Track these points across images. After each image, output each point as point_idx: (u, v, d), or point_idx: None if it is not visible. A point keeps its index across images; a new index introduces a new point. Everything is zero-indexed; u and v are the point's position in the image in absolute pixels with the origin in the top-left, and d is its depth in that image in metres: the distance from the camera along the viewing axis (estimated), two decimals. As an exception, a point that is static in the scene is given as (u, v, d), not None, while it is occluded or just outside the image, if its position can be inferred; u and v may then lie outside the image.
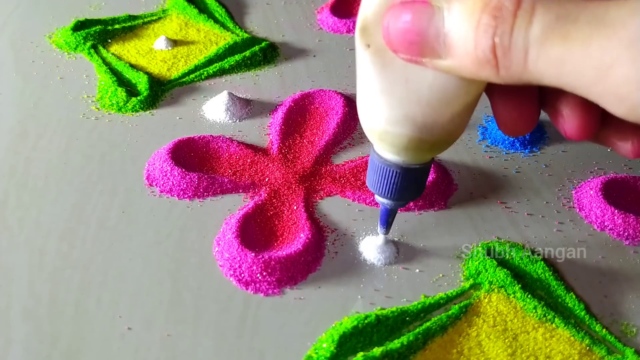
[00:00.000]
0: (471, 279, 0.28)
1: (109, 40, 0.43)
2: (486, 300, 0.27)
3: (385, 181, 0.23)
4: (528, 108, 0.21)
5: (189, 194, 0.31)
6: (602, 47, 0.16)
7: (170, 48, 0.42)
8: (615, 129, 0.21)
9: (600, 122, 0.21)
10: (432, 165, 0.33)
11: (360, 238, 0.30)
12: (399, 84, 0.20)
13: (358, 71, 0.21)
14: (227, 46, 0.42)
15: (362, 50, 0.20)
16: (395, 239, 0.29)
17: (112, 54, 0.42)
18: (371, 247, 0.29)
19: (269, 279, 0.27)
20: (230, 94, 0.37)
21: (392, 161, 0.23)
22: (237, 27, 0.46)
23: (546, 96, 0.21)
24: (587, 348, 0.25)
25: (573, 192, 0.33)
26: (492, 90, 0.21)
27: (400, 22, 0.19)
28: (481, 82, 0.20)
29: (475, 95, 0.21)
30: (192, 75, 0.40)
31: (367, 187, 0.32)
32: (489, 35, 0.17)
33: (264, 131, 0.36)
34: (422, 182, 0.25)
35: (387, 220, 0.27)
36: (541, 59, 0.17)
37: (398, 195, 0.24)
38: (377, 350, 0.24)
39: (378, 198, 0.26)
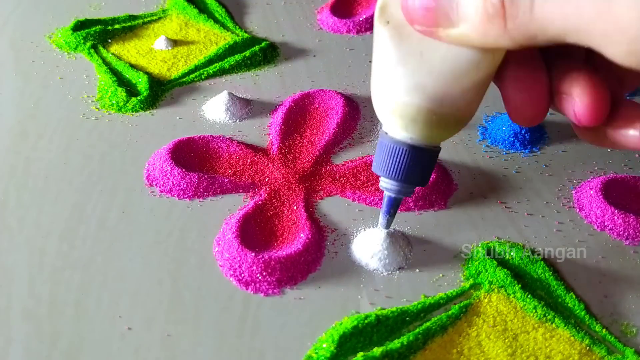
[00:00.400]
0: (471, 279, 0.28)
1: (109, 40, 0.43)
2: (486, 300, 0.27)
3: (392, 160, 0.24)
4: (538, 91, 0.22)
5: (189, 194, 0.31)
6: None
7: (170, 48, 0.42)
8: (625, 120, 0.21)
9: (610, 108, 0.21)
10: (432, 165, 0.33)
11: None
12: (414, 55, 0.21)
13: (375, 49, 0.22)
14: (227, 46, 0.42)
15: (381, 27, 0.22)
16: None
17: (112, 54, 0.42)
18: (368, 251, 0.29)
19: (269, 279, 0.27)
20: (230, 94, 0.37)
21: (400, 139, 0.23)
22: (237, 27, 0.46)
23: (556, 80, 0.21)
24: (587, 348, 0.25)
25: (573, 192, 0.33)
26: (503, 73, 0.22)
27: None
28: (491, 59, 0.21)
29: (486, 72, 0.21)
30: (192, 75, 0.40)
31: (367, 187, 0.32)
32: None
33: (264, 131, 0.36)
34: (428, 168, 0.24)
35: (390, 210, 0.27)
36: (548, 3, 0.18)
37: (404, 176, 0.24)
38: (377, 350, 0.24)
39: (382, 184, 0.26)
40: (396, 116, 0.22)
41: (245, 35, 0.44)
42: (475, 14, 0.19)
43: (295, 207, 0.31)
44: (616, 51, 0.17)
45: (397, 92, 0.22)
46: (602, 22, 0.17)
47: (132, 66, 0.40)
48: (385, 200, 0.27)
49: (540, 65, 0.22)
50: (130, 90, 0.38)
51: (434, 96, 0.21)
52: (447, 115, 0.22)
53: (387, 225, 0.28)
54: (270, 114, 0.37)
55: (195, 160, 0.33)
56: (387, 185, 0.26)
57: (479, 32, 0.19)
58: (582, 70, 0.21)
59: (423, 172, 0.24)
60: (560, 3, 0.17)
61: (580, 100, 0.20)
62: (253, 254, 0.27)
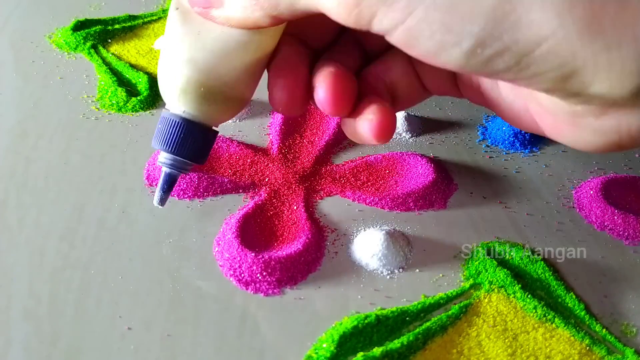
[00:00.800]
0: (471, 279, 0.28)
1: (109, 40, 0.43)
2: (486, 300, 0.27)
3: (167, 133, 0.25)
4: (293, 84, 0.24)
5: (189, 194, 0.31)
6: None
7: (170, 48, 0.42)
8: (364, 107, 0.23)
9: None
10: (432, 165, 0.33)
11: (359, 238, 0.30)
12: (192, 35, 0.23)
13: (166, 31, 0.24)
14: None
15: (172, 13, 0.24)
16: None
17: (112, 54, 0.42)
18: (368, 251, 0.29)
19: (269, 279, 0.27)
20: (230, 94, 0.37)
21: (175, 112, 0.25)
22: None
23: (312, 76, 0.24)
24: (587, 348, 0.25)
25: (573, 192, 0.33)
26: (269, 65, 0.24)
27: None
28: (258, 42, 0.23)
29: (253, 56, 0.23)
30: (192, 75, 0.40)
31: (367, 187, 0.32)
32: None
33: (264, 131, 0.36)
34: (203, 145, 0.25)
35: (164, 185, 0.27)
36: None
37: (177, 147, 0.25)
38: (377, 350, 0.24)
39: (160, 158, 0.26)
40: (170, 88, 0.24)
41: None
42: None
43: (295, 207, 0.31)
44: (334, 11, 0.19)
45: (173, 65, 0.23)
46: None
47: (132, 66, 0.40)
48: (162, 176, 0.27)
49: (303, 62, 0.24)
50: (130, 90, 0.38)
51: (203, 69, 0.23)
52: (214, 88, 0.23)
53: (162, 202, 0.27)
54: (270, 114, 0.37)
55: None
56: (163, 159, 0.26)
57: (238, 12, 0.21)
58: (331, 64, 0.24)
59: (196, 148, 0.25)
60: None
61: (321, 90, 0.23)
62: (253, 254, 0.27)
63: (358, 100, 0.24)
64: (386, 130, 0.23)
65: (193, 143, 0.25)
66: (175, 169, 0.26)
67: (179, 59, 0.23)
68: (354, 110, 0.24)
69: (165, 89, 0.24)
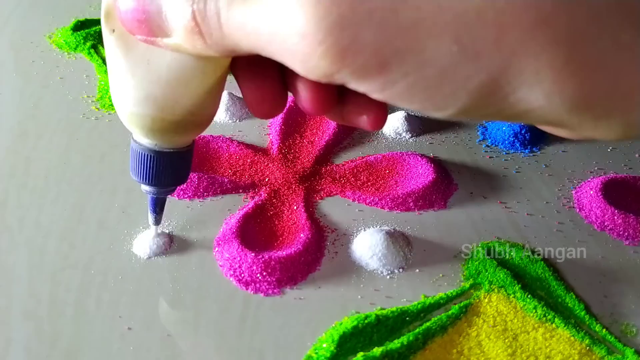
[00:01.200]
0: (471, 279, 0.28)
1: (109, 40, 0.43)
2: (486, 300, 0.27)
3: (142, 166, 0.24)
4: (270, 88, 0.22)
5: (189, 194, 0.31)
6: (273, 3, 0.17)
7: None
8: (353, 104, 0.22)
9: (338, 98, 0.22)
10: (432, 165, 0.33)
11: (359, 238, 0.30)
12: (141, 65, 0.21)
13: (107, 57, 0.22)
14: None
15: (107, 35, 0.21)
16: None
17: (112, 54, 0.42)
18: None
19: (269, 279, 0.27)
20: (230, 94, 0.37)
21: (146, 145, 0.23)
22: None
23: (285, 75, 0.22)
24: (587, 348, 0.25)
25: (573, 192, 0.33)
26: (237, 71, 0.22)
27: (129, 1, 0.19)
28: (216, 64, 0.21)
29: (213, 77, 0.21)
30: (192, 75, 0.40)
31: (367, 187, 0.32)
32: (189, 2, 0.18)
33: (264, 131, 0.36)
34: (181, 168, 0.25)
35: (155, 208, 0.26)
36: (231, 23, 0.18)
37: (156, 180, 0.24)
38: (377, 350, 0.24)
39: (143, 187, 0.25)
40: (134, 126, 0.22)
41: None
42: (180, 27, 0.19)
43: (295, 207, 0.31)
44: (297, 68, 0.18)
45: (130, 103, 0.21)
46: (276, 44, 0.17)
47: (132, 66, 0.40)
48: (149, 201, 0.26)
49: (271, 63, 0.22)
50: (130, 90, 0.38)
51: (165, 105, 0.21)
52: (183, 121, 0.22)
53: (156, 222, 0.27)
54: (270, 114, 0.37)
55: (195, 160, 0.33)
56: (146, 189, 0.25)
57: (188, 44, 0.19)
58: None
59: (176, 173, 0.24)
60: (240, 25, 0.18)
61: (302, 94, 0.21)
62: (253, 254, 0.27)
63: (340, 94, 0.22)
64: (382, 122, 0.22)
65: (172, 171, 0.24)
66: (160, 194, 0.26)
67: (133, 96, 0.21)
68: (341, 100, 0.22)
69: (130, 126, 0.23)
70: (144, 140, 0.23)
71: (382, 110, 0.22)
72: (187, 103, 0.21)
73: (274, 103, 0.22)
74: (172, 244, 0.29)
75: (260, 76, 0.22)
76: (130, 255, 0.28)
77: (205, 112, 0.22)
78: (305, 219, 0.30)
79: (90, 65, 0.41)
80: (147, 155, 0.23)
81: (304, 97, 0.21)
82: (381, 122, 0.22)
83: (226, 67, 0.21)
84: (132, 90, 0.21)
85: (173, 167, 0.24)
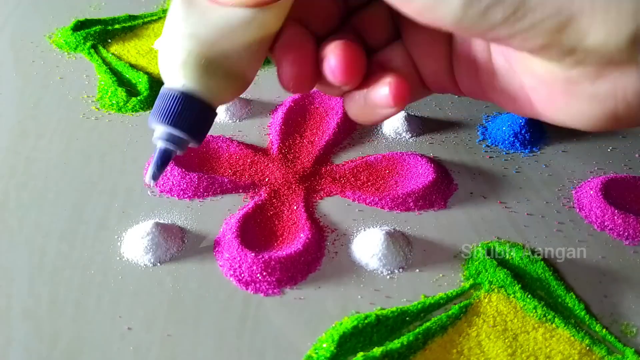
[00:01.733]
0: (471, 279, 0.28)
1: (109, 40, 0.43)
2: (486, 300, 0.27)
3: (164, 105, 0.24)
4: (303, 60, 0.24)
5: (189, 194, 0.31)
6: None
7: (170, 48, 0.42)
8: (376, 76, 0.24)
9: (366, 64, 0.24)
10: (432, 165, 0.33)
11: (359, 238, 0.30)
12: (197, 14, 0.23)
13: (168, 15, 0.24)
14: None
15: None
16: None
17: (112, 54, 0.42)
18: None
19: (269, 279, 0.27)
20: (230, 94, 0.37)
21: (174, 86, 0.24)
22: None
23: (319, 51, 0.24)
24: (587, 348, 0.25)
25: (573, 192, 0.33)
26: (274, 45, 0.25)
27: None
28: (261, 21, 0.23)
29: (256, 32, 0.23)
30: (192, 75, 0.40)
31: (367, 187, 0.32)
32: None
33: (264, 131, 0.36)
34: (199, 121, 0.25)
35: (159, 160, 0.25)
36: None
37: (177, 118, 0.24)
38: (377, 350, 0.24)
39: (155, 134, 0.25)
40: (170, 62, 0.24)
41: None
42: None
43: (295, 207, 0.31)
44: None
45: (176, 40, 0.24)
46: None
47: (132, 66, 0.40)
48: (156, 152, 0.25)
49: (309, 40, 0.25)
50: (130, 90, 0.38)
51: (205, 41, 0.23)
52: (216, 61, 0.23)
53: (155, 178, 0.26)
54: (270, 114, 0.37)
55: (195, 160, 0.33)
56: (159, 134, 0.25)
57: None
58: (339, 37, 0.24)
59: (193, 122, 0.24)
60: None
61: (333, 57, 0.23)
62: (253, 254, 0.27)
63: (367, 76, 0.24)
64: (405, 94, 0.23)
65: (191, 116, 0.24)
66: (171, 144, 0.25)
67: (181, 34, 0.23)
68: (365, 81, 0.24)
69: (165, 65, 0.24)
70: (174, 80, 0.24)
71: (403, 82, 0.23)
72: (225, 46, 0.23)
73: (306, 77, 0.24)
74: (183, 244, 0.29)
75: (300, 48, 0.24)
76: (130, 255, 0.28)
77: (239, 64, 0.24)
78: (305, 219, 0.30)
79: (90, 65, 0.41)
80: (173, 94, 0.24)
81: (334, 60, 0.23)
82: (404, 92, 0.23)
83: (269, 33, 0.24)
84: (180, 30, 0.23)
85: (194, 112, 0.24)
